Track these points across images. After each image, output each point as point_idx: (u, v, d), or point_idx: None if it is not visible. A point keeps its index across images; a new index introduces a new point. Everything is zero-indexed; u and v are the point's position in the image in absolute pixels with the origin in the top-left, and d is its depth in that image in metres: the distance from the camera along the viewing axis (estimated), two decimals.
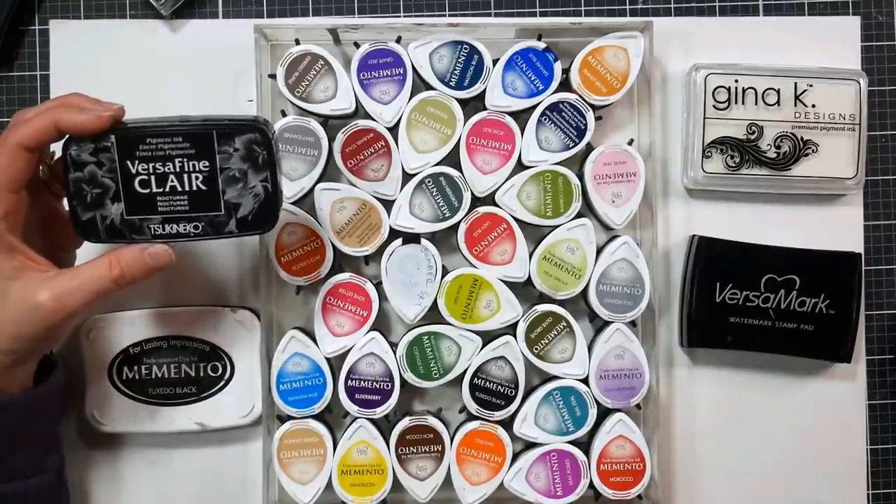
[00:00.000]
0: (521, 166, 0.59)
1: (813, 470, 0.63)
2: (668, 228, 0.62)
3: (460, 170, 0.58)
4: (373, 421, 0.59)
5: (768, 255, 0.60)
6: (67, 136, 0.48)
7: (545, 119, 0.59)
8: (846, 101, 0.60)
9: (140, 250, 0.49)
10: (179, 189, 0.49)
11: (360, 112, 0.59)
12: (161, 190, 0.49)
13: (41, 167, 0.51)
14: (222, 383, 0.60)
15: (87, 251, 0.54)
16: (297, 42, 0.58)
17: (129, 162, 0.49)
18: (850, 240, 0.63)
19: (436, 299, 0.58)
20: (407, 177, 0.58)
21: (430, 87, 0.58)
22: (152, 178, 0.49)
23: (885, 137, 0.63)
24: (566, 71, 0.59)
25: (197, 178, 0.49)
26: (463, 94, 0.58)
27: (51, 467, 0.54)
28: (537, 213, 0.58)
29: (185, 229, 0.50)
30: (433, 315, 0.59)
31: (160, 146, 0.49)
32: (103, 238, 0.50)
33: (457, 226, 0.58)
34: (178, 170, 0.49)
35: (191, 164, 0.49)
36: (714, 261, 0.60)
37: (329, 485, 0.59)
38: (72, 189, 0.49)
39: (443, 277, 0.58)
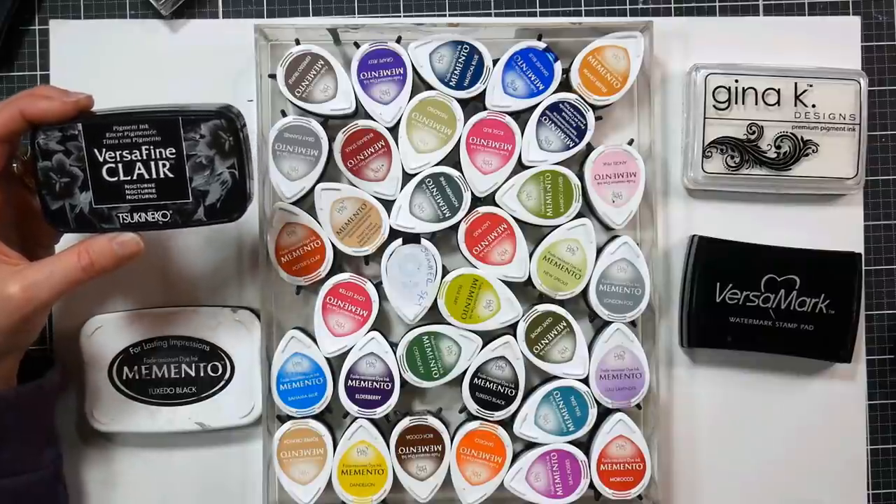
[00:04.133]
0: (521, 166, 0.59)
1: (813, 470, 0.63)
2: (668, 228, 0.62)
3: (460, 170, 0.58)
4: (373, 421, 0.59)
5: (768, 255, 0.60)
6: (35, 125, 0.49)
7: (545, 119, 0.59)
8: (846, 101, 0.60)
9: (108, 239, 0.49)
10: (147, 177, 0.49)
11: (360, 112, 0.59)
12: (129, 178, 0.49)
13: (14, 163, 0.51)
14: (222, 383, 0.60)
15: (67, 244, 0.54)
16: (297, 42, 0.58)
17: (96, 150, 0.49)
18: (850, 240, 0.63)
19: (436, 299, 0.58)
20: (407, 177, 0.58)
21: (430, 87, 0.58)
22: (120, 165, 0.49)
23: (885, 137, 0.63)
24: (566, 71, 0.59)
25: (164, 165, 0.49)
26: (463, 94, 0.58)
27: (44, 465, 0.54)
28: (537, 213, 0.58)
29: (153, 218, 0.50)
30: (433, 315, 0.59)
31: (126, 133, 0.49)
32: (73, 227, 0.50)
33: (457, 226, 0.58)
34: (144, 157, 0.49)
35: (157, 151, 0.49)
36: (714, 261, 0.60)
37: (329, 485, 0.59)
38: (40, 178, 0.49)
39: (443, 277, 0.58)
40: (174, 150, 0.49)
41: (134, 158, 0.49)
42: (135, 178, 0.49)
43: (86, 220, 0.50)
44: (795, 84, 0.60)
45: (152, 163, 0.49)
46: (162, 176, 0.49)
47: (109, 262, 0.49)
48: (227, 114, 0.49)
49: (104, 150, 0.49)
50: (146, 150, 0.49)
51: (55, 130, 0.49)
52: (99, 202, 0.50)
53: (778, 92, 0.60)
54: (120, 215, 0.50)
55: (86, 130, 0.49)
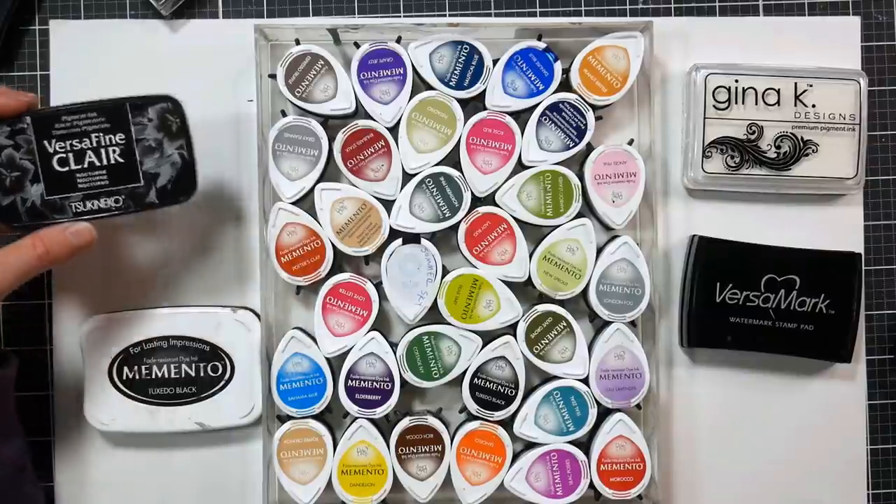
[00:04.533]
0: (521, 166, 0.59)
1: (813, 470, 0.63)
2: (668, 228, 0.62)
3: (460, 170, 0.58)
4: (373, 421, 0.59)
5: (768, 255, 0.60)
6: None
7: (545, 119, 0.59)
8: (846, 101, 0.60)
9: (63, 229, 0.50)
10: (98, 164, 0.51)
11: (360, 112, 0.59)
12: (80, 167, 0.51)
13: None
14: (222, 383, 0.60)
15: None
16: (297, 42, 0.58)
17: (45, 142, 0.51)
18: (850, 240, 0.63)
19: (436, 299, 0.58)
20: (407, 177, 0.58)
21: (430, 87, 0.58)
22: (70, 155, 0.51)
23: (885, 137, 0.63)
24: (566, 71, 0.59)
25: (114, 151, 0.51)
26: (463, 94, 0.58)
27: (2, 463, 0.53)
28: (537, 213, 0.58)
29: (105, 204, 0.52)
30: (433, 315, 0.59)
31: (75, 123, 0.51)
32: (24, 220, 0.51)
33: (457, 226, 0.58)
34: (94, 145, 0.51)
35: (107, 137, 0.51)
36: (714, 261, 0.60)
37: (329, 485, 0.59)
38: None
39: (443, 277, 0.58)
40: (123, 136, 0.51)
41: (84, 147, 0.51)
42: (86, 166, 0.51)
43: (38, 212, 0.51)
44: (795, 84, 0.60)
45: (102, 150, 0.51)
46: (112, 162, 0.51)
47: (64, 251, 0.50)
48: (173, 97, 0.52)
49: (54, 140, 0.51)
50: (96, 137, 0.51)
51: (3, 126, 0.50)
52: (50, 193, 0.51)
53: (778, 92, 0.60)
54: (72, 204, 0.51)
55: (35, 123, 0.51)
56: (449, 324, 0.58)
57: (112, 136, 0.51)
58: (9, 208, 0.51)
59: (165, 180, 0.52)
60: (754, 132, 0.60)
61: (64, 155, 0.51)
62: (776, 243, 0.61)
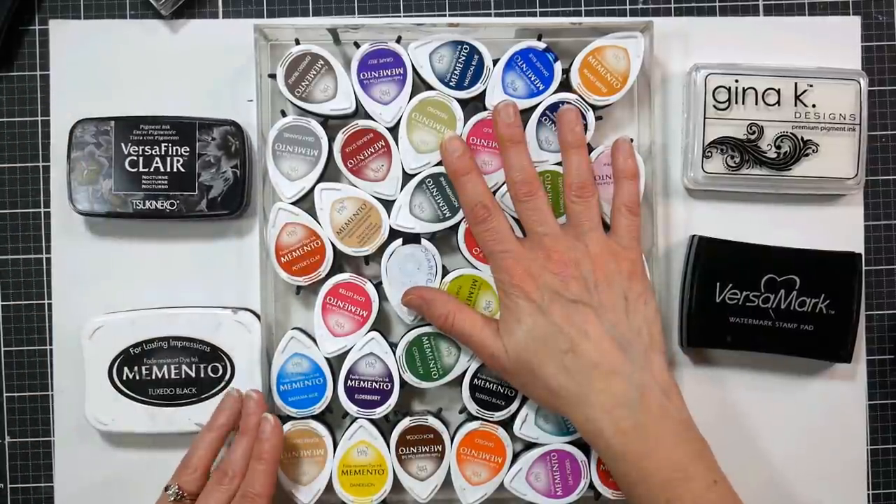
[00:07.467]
0: None
1: (813, 470, 0.63)
2: (668, 228, 0.62)
3: None
4: (373, 421, 0.59)
5: (768, 255, 0.60)
6: (77, 120, 0.57)
7: (545, 119, 0.59)
8: (846, 101, 0.60)
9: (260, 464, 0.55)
10: (162, 170, 0.58)
11: (360, 112, 0.59)
12: (147, 170, 0.58)
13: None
14: (223, 384, 0.60)
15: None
16: (297, 42, 0.58)
17: (122, 144, 0.58)
18: (850, 240, 0.63)
19: None
20: (407, 177, 0.58)
21: (430, 87, 0.58)
22: (140, 159, 0.58)
23: (885, 137, 0.63)
24: (566, 71, 0.59)
25: (178, 161, 0.58)
26: (463, 94, 0.58)
27: None
28: None
29: (162, 206, 0.58)
30: None
31: (150, 131, 0.58)
32: (91, 210, 0.58)
33: (457, 226, 0.58)
34: (162, 153, 0.58)
35: (174, 148, 0.58)
36: (714, 261, 0.60)
37: (329, 485, 0.59)
38: (72, 166, 0.57)
39: (443, 277, 0.58)
40: (188, 149, 0.58)
41: (153, 153, 0.57)
42: (151, 170, 0.57)
43: (104, 204, 0.57)
44: (795, 84, 0.60)
45: (168, 158, 0.57)
46: (175, 170, 0.57)
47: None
48: (236, 123, 0.58)
49: (129, 144, 0.57)
50: (165, 146, 0.57)
51: (91, 125, 0.57)
52: (118, 189, 0.57)
53: (778, 92, 0.60)
54: (134, 202, 0.58)
55: (117, 126, 0.58)
56: None
57: (179, 148, 0.57)
58: (81, 197, 0.57)
59: (216, 193, 0.58)
60: (754, 132, 0.60)
61: (135, 158, 0.57)
62: (776, 243, 0.60)
